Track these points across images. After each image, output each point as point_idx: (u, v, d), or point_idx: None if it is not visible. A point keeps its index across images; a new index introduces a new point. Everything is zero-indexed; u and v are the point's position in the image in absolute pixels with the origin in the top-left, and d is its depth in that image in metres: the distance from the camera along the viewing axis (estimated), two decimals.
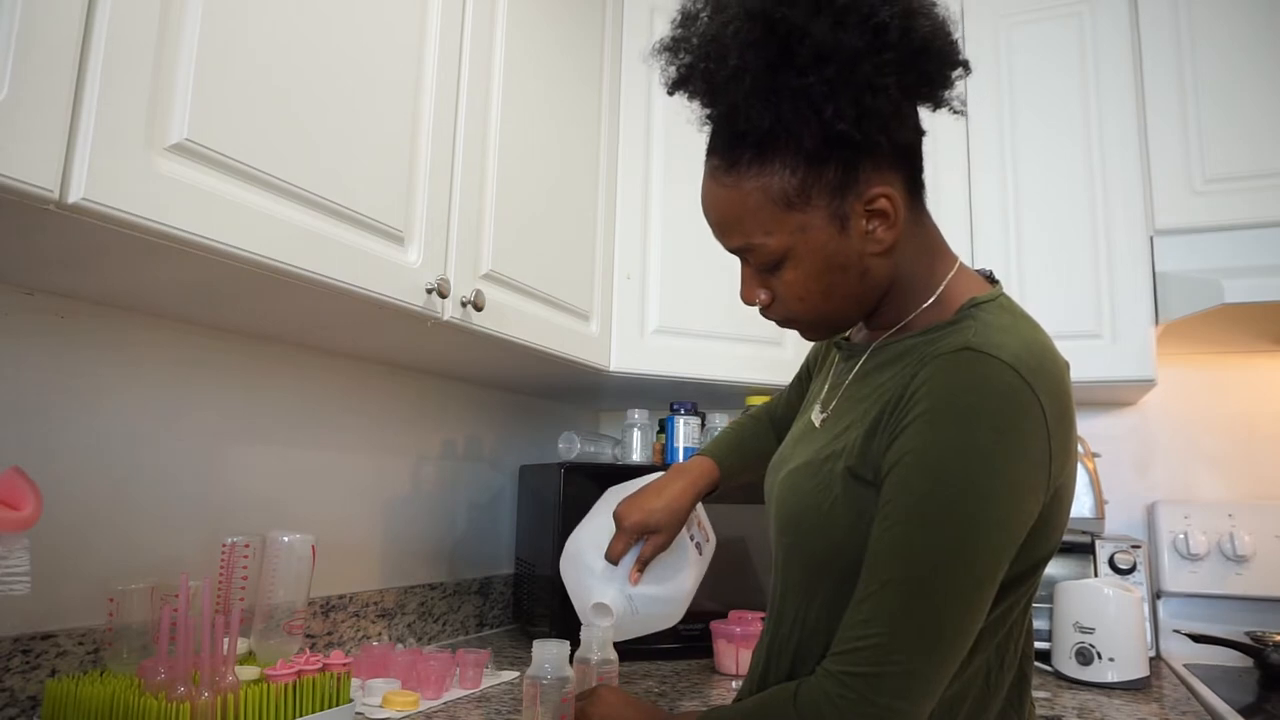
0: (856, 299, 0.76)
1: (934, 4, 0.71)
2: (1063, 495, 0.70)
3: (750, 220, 0.73)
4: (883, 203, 0.71)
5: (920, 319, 0.76)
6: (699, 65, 0.71)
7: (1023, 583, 0.71)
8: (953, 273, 0.77)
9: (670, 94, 0.76)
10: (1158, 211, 1.58)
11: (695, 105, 0.75)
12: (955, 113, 0.75)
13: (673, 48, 0.74)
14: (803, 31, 0.66)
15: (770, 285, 0.77)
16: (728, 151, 0.73)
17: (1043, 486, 0.66)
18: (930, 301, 0.76)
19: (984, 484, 0.64)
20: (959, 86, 0.73)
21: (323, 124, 0.97)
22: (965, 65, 0.73)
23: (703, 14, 0.73)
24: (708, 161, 0.76)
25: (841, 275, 0.73)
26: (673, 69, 0.75)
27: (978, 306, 0.73)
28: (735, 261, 0.81)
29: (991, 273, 0.81)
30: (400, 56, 1.10)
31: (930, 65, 0.70)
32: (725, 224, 0.75)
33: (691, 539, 1.07)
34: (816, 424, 0.82)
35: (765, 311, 0.79)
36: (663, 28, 1.70)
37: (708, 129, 0.77)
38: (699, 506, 1.09)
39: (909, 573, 0.64)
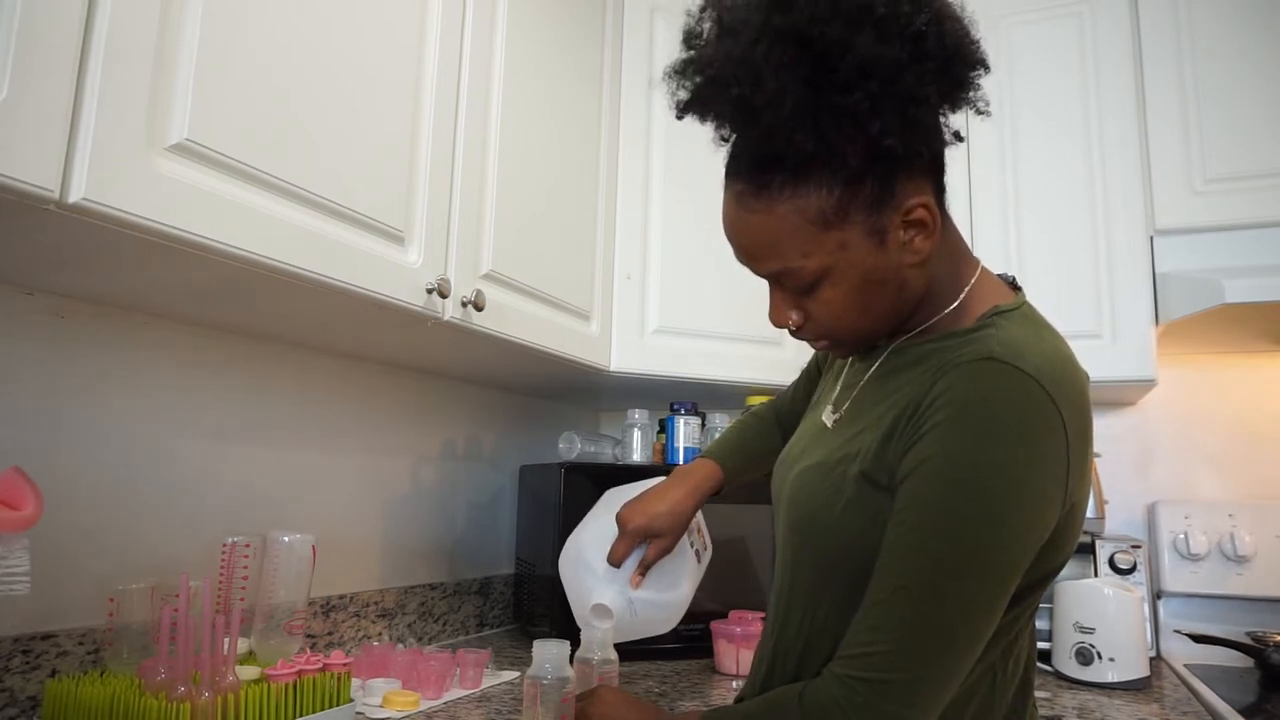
0: (892, 312, 0.74)
1: (957, 6, 0.69)
2: (1077, 510, 0.70)
3: (786, 244, 0.69)
4: (921, 213, 0.69)
5: (941, 324, 0.75)
6: (730, 90, 0.66)
7: (1032, 593, 0.70)
8: (975, 277, 0.76)
9: (680, 118, 0.72)
10: (1158, 211, 1.58)
11: (703, 127, 0.72)
12: (980, 113, 0.73)
13: (682, 70, 0.71)
14: (843, 47, 0.62)
15: (803, 305, 0.74)
16: (756, 175, 0.69)
17: (1059, 500, 0.65)
18: (953, 307, 0.75)
19: (1001, 495, 0.63)
20: (982, 87, 0.72)
21: (323, 124, 0.97)
22: (985, 65, 0.71)
23: (710, 33, 0.69)
24: (730, 186, 0.72)
25: (880, 290, 0.71)
26: (683, 92, 0.71)
27: (1001, 315, 0.72)
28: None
29: (1014, 278, 0.79)
30: (400, 57, 1.10)
31: (961, 70, 0.69)
32: (758, 250, 0.71)
33: (691, 545, 1.06)
34: (828, 424, 0.81)
35: (797, 332, 0.76)
36: (663, 28, 1.73)
37: (718, 148, 0.73)
38: (699, 514, 1.09)
39: (921, 580, 0.64)
